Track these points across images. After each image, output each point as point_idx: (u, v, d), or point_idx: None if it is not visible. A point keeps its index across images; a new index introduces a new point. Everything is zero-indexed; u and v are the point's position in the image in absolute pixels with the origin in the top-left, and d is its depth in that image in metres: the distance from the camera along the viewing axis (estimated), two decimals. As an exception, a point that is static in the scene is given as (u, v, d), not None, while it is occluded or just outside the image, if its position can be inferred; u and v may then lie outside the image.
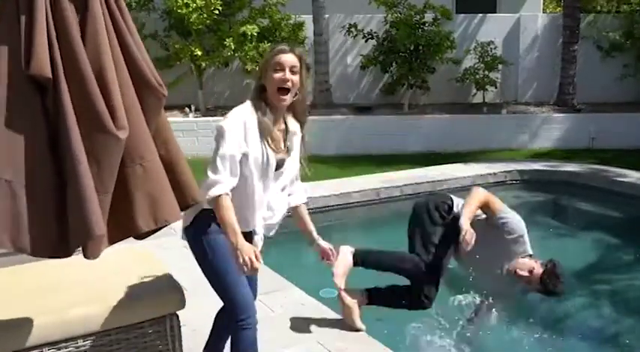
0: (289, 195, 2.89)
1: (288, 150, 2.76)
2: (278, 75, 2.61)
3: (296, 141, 2.79)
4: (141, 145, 2.21)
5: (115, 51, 2.16)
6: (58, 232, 2.09)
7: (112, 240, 2.28)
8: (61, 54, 2.03)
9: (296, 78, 2.64)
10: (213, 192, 2.50)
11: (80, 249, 2.23)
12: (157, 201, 2.23)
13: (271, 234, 2.82)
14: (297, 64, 2.65)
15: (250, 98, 2.70)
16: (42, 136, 2.06)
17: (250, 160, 2.61)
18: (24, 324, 2.52)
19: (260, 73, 2.70)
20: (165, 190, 2.27)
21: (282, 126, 2.75)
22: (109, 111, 2.08)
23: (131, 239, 2.35)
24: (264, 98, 2.67)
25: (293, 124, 2.77)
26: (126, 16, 2.23)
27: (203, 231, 2.66)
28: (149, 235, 2.34)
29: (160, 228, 2.30)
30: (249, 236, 2.61)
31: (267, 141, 2.65)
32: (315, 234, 3.04)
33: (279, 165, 2.72)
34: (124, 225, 2.24)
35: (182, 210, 2.40)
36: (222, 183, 2.52)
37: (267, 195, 2.72)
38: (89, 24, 2.10)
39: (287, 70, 2.62)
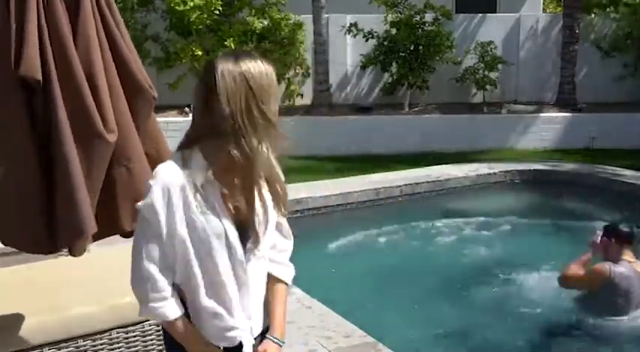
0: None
1: (252, 207, 1.81)
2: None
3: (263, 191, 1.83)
4: (128, 147, 2.22)
5: (106, 53, 2.16)
6: (45, 230, 2.11)
7: (96, 238, 2.31)
8: (53, 56, 2.03)
9: None
10: (162, 316, 1.78)
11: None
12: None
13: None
14: None
15: (193, 142, 1.76)
16: (30, 137, 2.06)
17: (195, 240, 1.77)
18: (24, 324, 2.52)
19: (203, 98, 1.69)
20: None
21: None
22: (99, 114, 2.09)
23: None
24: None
25: None
26: (117, 18, 2.23)
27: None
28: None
29: None
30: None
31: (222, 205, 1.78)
32: (272, 332, 1.90)
33: (249, 232, 1.83)
34: (109, 224, 2.27)
35: None
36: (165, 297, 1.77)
37: (247, 282, 1.84)
38: (80, 27, 2.10)
39: None
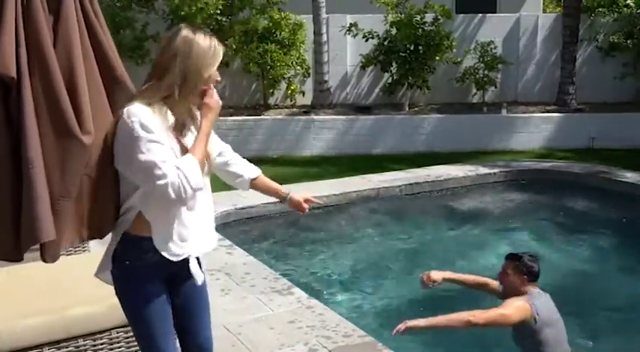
0: (233, 170, 2.50)
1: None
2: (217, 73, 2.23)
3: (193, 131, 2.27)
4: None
5: (88, 53, 2.13)
6: (13, 236, 2.06)
7: (79, 240, 2.26)
8: (28, 55, 1.99)
9: None
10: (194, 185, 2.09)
11: (71, 249, 2.22)
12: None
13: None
14: None
15: (157, 97, 2.12)
16: (6, 138, 2.01)
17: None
18: (24, 324, 2.52)
19: (204, 67, 2.13)
20: None
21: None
22: (76, 115, 2.05)
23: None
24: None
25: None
26: (100, 18, 2.19)
27: (128, 276, 2.25)
28: None
29: None
30: (182, 265, 2.22)
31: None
32: (283, 189, 2.63)
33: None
34: (93, 227, 2.21)
35: None
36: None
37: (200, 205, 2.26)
38: (61, 26, 2.06)
39: None
